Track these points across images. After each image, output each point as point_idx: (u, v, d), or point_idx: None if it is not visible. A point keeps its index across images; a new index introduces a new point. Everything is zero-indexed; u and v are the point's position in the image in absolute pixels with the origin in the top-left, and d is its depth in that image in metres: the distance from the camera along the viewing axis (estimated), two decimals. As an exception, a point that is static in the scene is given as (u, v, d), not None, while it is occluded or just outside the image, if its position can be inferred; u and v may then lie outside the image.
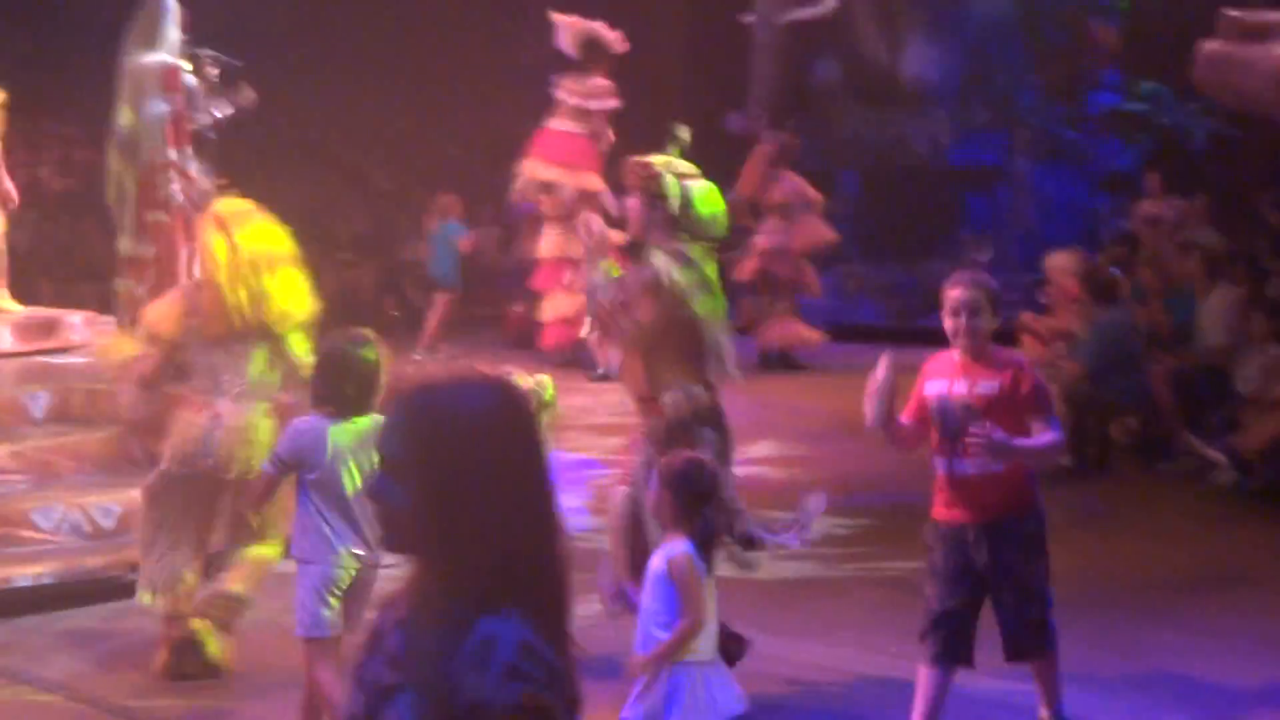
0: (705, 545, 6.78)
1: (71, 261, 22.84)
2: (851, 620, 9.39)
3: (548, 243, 18.32)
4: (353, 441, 7.39)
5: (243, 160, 17.62)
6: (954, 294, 7.16)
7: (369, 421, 7.37)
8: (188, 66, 12.35)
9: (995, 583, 7.26)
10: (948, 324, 7.17)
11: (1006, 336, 15.00)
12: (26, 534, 10.50)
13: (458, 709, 2.93)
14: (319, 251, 24.75)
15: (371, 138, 27.81)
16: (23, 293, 14.72)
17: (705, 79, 23.45)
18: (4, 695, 8.71)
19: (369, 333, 7.68)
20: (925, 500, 12.30)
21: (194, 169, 12.07)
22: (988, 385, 7.08)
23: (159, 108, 11.86)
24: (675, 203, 8.11)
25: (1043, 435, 7.07)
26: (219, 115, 12.93)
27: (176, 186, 11.90)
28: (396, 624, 3.16)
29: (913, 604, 9.80)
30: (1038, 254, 20.65)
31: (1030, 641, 7.41)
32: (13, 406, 11.82)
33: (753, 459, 13.24)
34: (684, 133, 11.43)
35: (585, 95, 18.33)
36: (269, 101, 22.87)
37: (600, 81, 18.35)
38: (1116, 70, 23.18)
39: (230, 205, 9.10)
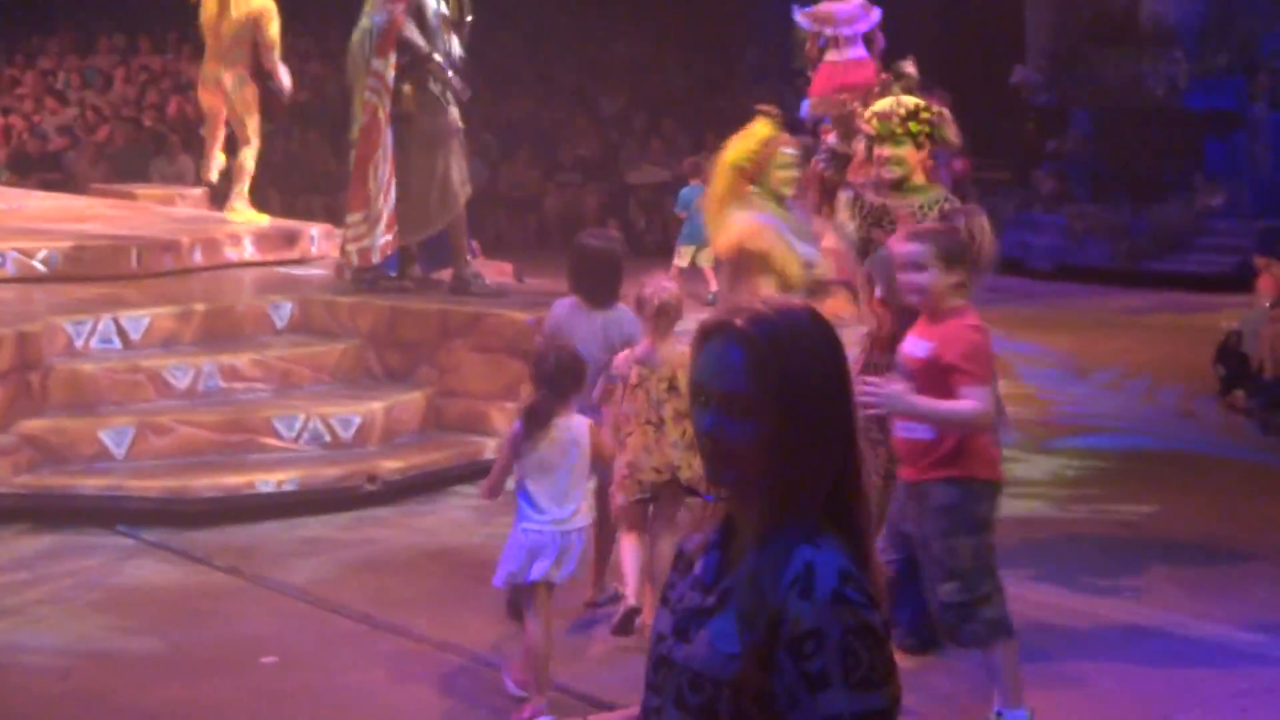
0: (531, 420, 7.14)
1: (298, 173, 23.14)
2: (1087, 562, 9.33)
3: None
4: (594, 327, 8.20)
5: (472, 82, 17.73)
6: (900, 249, 6.83)
7: (611, 312, 8.28)
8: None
9: (919, 553, 6.84)
10: (898, 279, 6.88)
11: (1246, 277, 14.81)
12: (269, 441, 10.72)
13: (784, 637, 2.94)
14: (544, 173, 25.05)
15: (599, 63, 27.92)
16: (253, 203, 15.00)
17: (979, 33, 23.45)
18: (247, 598, 8.94)
19: (611, 231, 8.39)
20: (1155, 443, 12.31)
21: (392, 79, 11.97)
22: (924, 346, 6.68)
23: (378, 18, 11.93)
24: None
25: (957, 401, 6.57)
26: (450, 54, 12.49)
27: (374, 96, 11.89)
28: (706, 548, 3.16)
29: (1146, 548, 9.79)
30: (1274, 201, 20.37)
31: (946, 623, 6.83)
32: (256, 315, 12.02)
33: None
34: (909, 67, 11.36)
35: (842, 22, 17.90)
36: (501, 25, 23.04)
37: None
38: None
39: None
